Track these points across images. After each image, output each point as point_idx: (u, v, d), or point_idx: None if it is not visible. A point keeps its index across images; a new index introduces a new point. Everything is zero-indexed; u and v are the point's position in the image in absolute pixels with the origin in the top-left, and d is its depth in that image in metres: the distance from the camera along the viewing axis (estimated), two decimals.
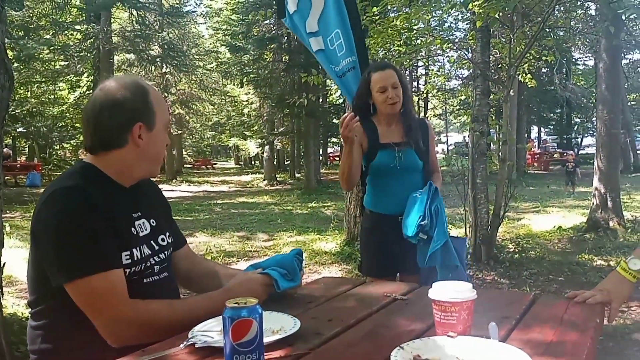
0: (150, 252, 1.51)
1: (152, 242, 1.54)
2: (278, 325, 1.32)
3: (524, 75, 8.85)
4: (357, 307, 1.54)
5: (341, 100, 21.76)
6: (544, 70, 20.60)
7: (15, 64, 16.46)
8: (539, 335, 1.25)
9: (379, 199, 2.72)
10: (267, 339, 1.16)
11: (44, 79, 20.24)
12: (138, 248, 1.48)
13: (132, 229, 1.50)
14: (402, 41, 7.71)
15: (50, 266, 1.37)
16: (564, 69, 19.67)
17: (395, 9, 8.50)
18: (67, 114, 21.54)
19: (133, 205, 1.54)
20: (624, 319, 4.16)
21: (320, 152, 27.28)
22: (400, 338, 1.19)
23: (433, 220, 2.44)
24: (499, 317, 1.32)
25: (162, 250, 1.57)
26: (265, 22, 18.82)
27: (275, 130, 21.49)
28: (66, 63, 19.18)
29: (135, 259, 1.46)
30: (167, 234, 1.62)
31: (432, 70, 12.05)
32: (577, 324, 1.33)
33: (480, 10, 5.63)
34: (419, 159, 2.66)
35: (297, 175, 24.15)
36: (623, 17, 7.64)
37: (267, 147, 21.80)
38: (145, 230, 1.54)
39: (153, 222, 1.57)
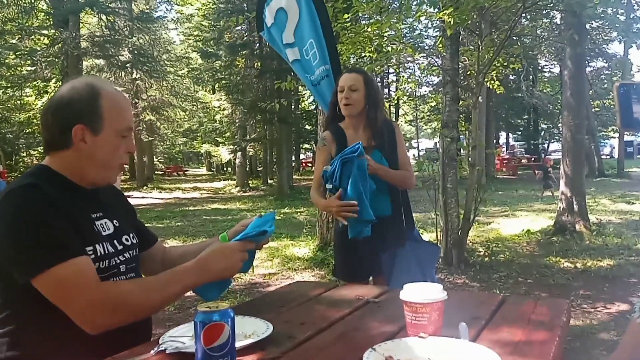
0: (114, 251, 1.49)
1: (115, 241, 1.52)
2: (250, 329, 1.32)
3: (492, 82, 9.02)
4: (329, 311, 1.54)
5: (313, 107, 21.81)
6: (511, 77, 21.05)
7: None
8: (507, 335, 1.28)
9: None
10: (239, 344, 1.16)
11: (9, 85, 19.74)
12: (101, 244, 1.45)
13: (94, 227, 1.48)
14: (373, 48, 7.79)
15: (14, 265, 1.34)
16: (531, 76, 20.14)
17: (366, 16, 8.59)
18: (34, 120, 21.05)
19: (93, 205, 1.52)
20: (590, 320, 4.26)
21: (293, 158, 27.29)
22: (373, 340, 1.20)
23: (337, 171, 2.47)
24: (469, 318, 1.34)
25: (126, 249, 1.55)
26: (237, 28, 18.79)
27: (248, 136, 21.38)
28: (33, 68, 18.75)
29: (99, 254, 1.44)
30: (132, 234, 1.61)
31: (403, 76, 12.17)
32: (545, 323, 1.36)
33: (450, 19, 5.73)
34: (386, 161, 2.68)
35: (269, 181, 24.06)
36: (587, 26, 7.86)
37: (239, 154, 21.68)
38: (108, 230, 1.52)
39: (116, 223, 1.55)
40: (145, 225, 1.83)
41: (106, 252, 1.46)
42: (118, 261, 1.50)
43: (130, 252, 1.56)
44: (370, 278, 2.80)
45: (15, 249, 1.34)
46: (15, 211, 1.35)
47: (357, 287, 1.84)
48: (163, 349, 1.22)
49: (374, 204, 2.50)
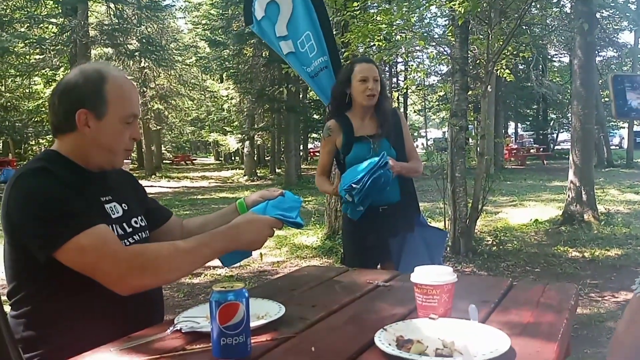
0: (123, 233, 1.52)
1: (124, 224, 1.54)
2: (263, 311, 1.35)
3: (502, 70, 8.96)
4: (340, 294, 1.57)
5: None
6: (520, 66, 20.89)
7: None
8: (516, 317, 1.30)
9: (358, 191, 2.74)
10: (252, 324, 1.19)
11: (18, 73, 19.85)
12: (111, 227, 1.47)
13: (103, 210, 1.50)
14: (382, 37, 7.76)
15: (34, 242, 1.36)
16: (540, 66, 19.96)
17: (375, 4, 8.55)
18: (43, 109, 21.16)
19: (102, 188, 1.54)
20: (598, 308, 4.27)
21: (301, 147, 27.27)
22: (383, 322, 1.22)
23: (363, 190, 2.47)
24: (478, 301, 1.35)
25: (135, 232, 1.57)
26: None
27: (256, 125, 21.40)
28: (42, 57, 18.83)
29: None
30: (140, 217, 1.63)
31: (412, 65, 12.13)
32: (553, 306, 1.38)
33: (461, 8, 5.70)
34: (393, 150, 2.71)
35: (277, 170, 24.08)
36: (597, 15, 7.79)
37: (247, 143, 21.70)
38: (117, 213, 1.54)
39: (125, 206, 1.58)
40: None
41: (116, 234, 1.48)
42: (127, 243, 1.52)
43: (140, 234, 1.59)
44: (379, 266, 2.83)
45: (33, 226, 1.36)
46: (29, 191, 1.38)
47: (368, 272, 1.86)
48: (178, 328, 1.25)
49: (384, 191, 2.54)
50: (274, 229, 1.51)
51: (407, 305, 1.38)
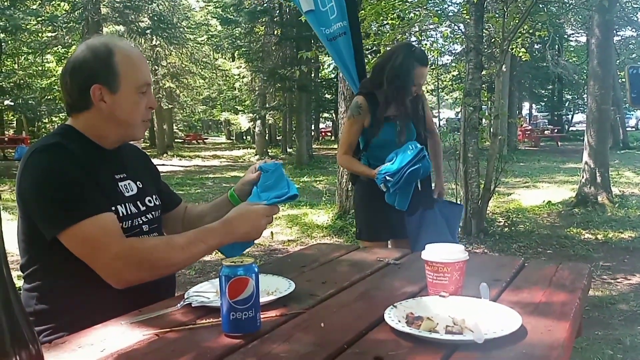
0: (137, 211, 1.52)
1: (138, 202, 1.54)
2: (273, 287, 1.35)
3: (518, 49, 8.82)
4: (350, 271, 1.56)
5: (333, 75, 21.62)
6: (536, 46, 20.55)
7: (2, 35, 16.18)
8: (528, 296, 1.28)
9: None
10: (262, 300, 1.18)
11: (31, 51, 19.91)
12: (123, 205, 1.48)
13: (117, 188, 1.50)
14: (395, 15, 7.65)
15: (41, 220, 1.38)
16: (557, 45, 19.64)
17: None
18: (56, 87, 21.24)
19: (117, 166, 1.54)
20: (610, 290, 4.24)
21: (312, 127, 27.20)
22: (394, 299, 1.21)
23: (400, 182, 2.50)
24: (489, 280, 1.34)
25: (149, 210, 1.57)
26: None
27: (267, 104, 21.35)
28: (54, 34, 18.85)
29: (121, 215, 1.46)
30: (154, 196, 1.63)
31: (426, 44, 11.95)
32: (566, 285, 1.36)
33: None
34: (414, 129, 2.75)
35: (289, 150, 24.09)
36: None
37: (258, 122, 21.69)
38: (132, 191, 1.54)
39: (139, 184, 1.58)
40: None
41: (129, 212, 1.49)
42: (141, 222, 1.52)
43: (153, 213, 1.59)
44: (389, 242, 2.83)
45: (41, 206, 1.37)
46: (41, 169, 1.38)
47: (378, 250, 1.85)
48: (188, 302, 1.25)
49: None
50: (272, 215, 1.49)
51: (418, 283, 1.38)
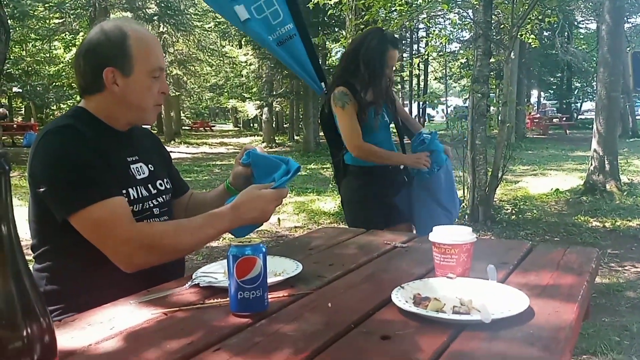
0: (148, 195, 1.53)
1: (149, 185, 1.55)
2: (280, 268, 1.35)
3: (527, 36, 8.73)
4: (357, 254, 1.56)
5: None
6: (545, 33, 20.34)
7: (10, 22, 16.17)
8: (535, 279, 1.28)
9: None
10: (270, 280, 1.19)
11: (39, 37, 19.91)
12: (134, 188, 1.48)
13: (129, 170, 1.51)
14: (403, 1, 7.59)
15: (52, 202, 1.39)
16: (566, 32, 19.41)
17: None
18: (64, 74, 21.28)
19: (129, 149, 1.55)
20: (617, 278, 4.23)
21: (319, 114, 27.10)
22: (401, 280, 1.21)
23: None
24: (497, 263, 1.34)
25: (160, 194, 1.58)
26: None
27: (274, 91, 21.28)
28: (61, 20, 18.84)
29: (132, 198, 1.47)
30: (166, 180, 1.63)
31: (434, 31, 11.87)
32: (574, 269, 1.36)
33: None
34: (391, 115, 2.88)
35: (296, 137, 24.06)
36: None
37: (265, 109, 21.64)
38: (143, 173, 1.55)
39: (151, 167, 1.58)
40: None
41: (140, 195, 1.49)
42: (151, 205, 1.53)
43: (164, 196, 1.59)
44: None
45: (53, 188, 1.38)
46: (53, 150, 1.39)
47: (385, 233, 1.85)
48: (196, 283, 1.26)
49: (394, 151, 2.86)
50: (281, 199, 1.46)
51: (425, 265, 1.38)
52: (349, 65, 2.80)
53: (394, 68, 2.87)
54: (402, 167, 2.88)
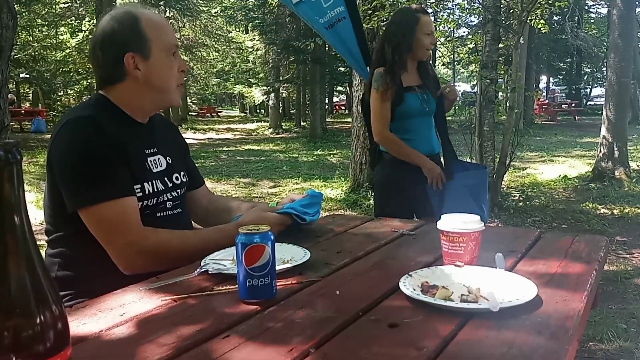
0: (163, 188, 1.53)
1: (166, 179, 1.55)
2: (288, 255, 1.36)
3: (537, 21, 8.63)
4: (365, 241, 1.56)
5: None
6: (555, 17, 20.11)
7: (17, 7, 16.16)
8: (544, 267, 1.28)
9: (407, 142, 2.73)
10: (278, 267, 1.19)
11: (45, 23, 19.89)
12: (150, 182, 1.49)
13: (146, 163, 1.51)
14: None
15: (65, 191, 1.40)
16: (576, 17, 19.18)
17: None
18: (70, 59, 21.28)
19: (148, 140, 1.55)
20: (625, 265, 4.22)
21: (326, 100, 27.03)
22: (408, 268, 1.21)
23: None
24: (505, 251, 1.34)
25: (175, 188, 1.59)
26: None
27: (281, 77, 21.22)
28: (67, 5, 18.80)
29: (147, 192, 1.48)
30: (182, 173, 1.64)
31: (443, 16, 11.76)
32: (582, 257, 1.35)
33: None
34: (434, 100, 2.77)
35: (302, 123, 24.00)
36: None
37: (272, 95, 21.59)
38: (160, 166, 1.55)
39: (169, 160, 1.59)
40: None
41: (155, 189, 1.50)
42: (166, 198, 1.54)
43: (179, 190, 1.60)
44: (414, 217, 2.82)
45: (66, 179, 1.39)
46: (71, 141, 1.40)
47: (393, 221, 1.85)
48: (205, 269, 1.27)
49: (429, 141, 2.77)
50: (284, 225, 1.52)
51: (433, 253, 1.38)
52: (381, 48, 2.77)
53: (434, 35, 2.76)
54: (441, 158, 2.85)
